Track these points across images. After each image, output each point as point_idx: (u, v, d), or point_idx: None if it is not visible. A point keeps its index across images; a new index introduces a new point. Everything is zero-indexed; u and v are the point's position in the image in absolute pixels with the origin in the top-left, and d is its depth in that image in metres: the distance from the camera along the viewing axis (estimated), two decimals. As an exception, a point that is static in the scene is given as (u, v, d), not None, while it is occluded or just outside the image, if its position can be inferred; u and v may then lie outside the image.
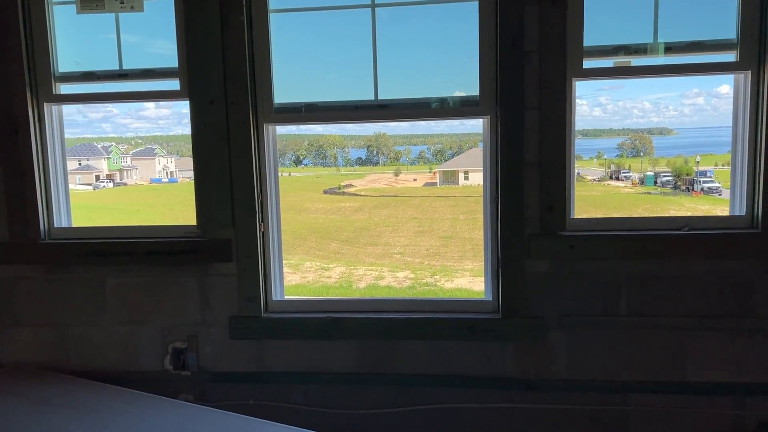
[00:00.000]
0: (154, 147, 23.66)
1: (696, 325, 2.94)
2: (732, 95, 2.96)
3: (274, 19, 3.10)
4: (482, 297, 3.17)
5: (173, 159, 24.79)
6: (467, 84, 3.03)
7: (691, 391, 2.98)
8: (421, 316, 3.10)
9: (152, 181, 23.34)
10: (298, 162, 28.63)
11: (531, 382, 3.07)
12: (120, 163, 23.02)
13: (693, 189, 20.01)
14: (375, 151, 27.91)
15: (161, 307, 3.25)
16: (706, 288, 2.93)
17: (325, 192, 24.06)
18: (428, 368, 3.12)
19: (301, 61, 3.27)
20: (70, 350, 3.32)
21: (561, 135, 2.91)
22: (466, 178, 22.92)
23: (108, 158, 22.80)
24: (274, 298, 3.23)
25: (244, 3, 3.00)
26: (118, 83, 3.24)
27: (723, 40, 2.91)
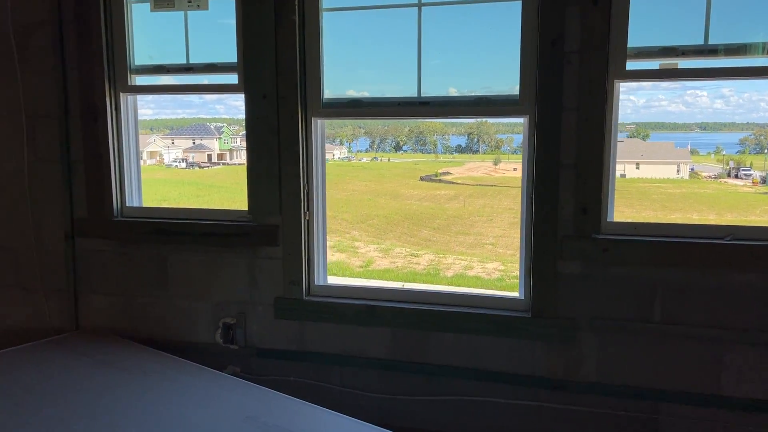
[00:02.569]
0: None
1: (734, 338, 2.85)
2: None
3: (325, 18, 3.24)
4: (515, 295, 3.20)
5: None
6: (509, 83, 3.06)
7: (726, 405, 2.89)
8: (453, 310, 3.17)
9: (257, 161, 24.29)
10: (398, 148, 28.90)
11: (559, 382, 3.08)
12: (230, 144, 24.19)
13: (823, 191, 18.45)
14: (476, 139, 27.69)
15: (215, 284, 3.51)
16: (747, 300, 2.82)
17: (422, 179, 24.16)
18: (457, 360, 3.20)
19: (349, 57, 3.42)
20: (136, 319, 3.66)
21: (599, 137, 2.89)
22: (567, 169, 22.23)
23: (219, 138, 24.01)
24: (316, 283, 3.41)
25: (296, 3, 3.17)
26: (185, 76, 3.51)
27: (779, 42, 2.77)
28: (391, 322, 3.25)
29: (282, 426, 2.61)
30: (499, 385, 3.15)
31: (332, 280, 3.51)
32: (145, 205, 3.70)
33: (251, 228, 3.39)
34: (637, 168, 22.19)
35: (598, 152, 2.90)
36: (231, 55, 3.38)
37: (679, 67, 2.90)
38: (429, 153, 27.18)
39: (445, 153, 27.48)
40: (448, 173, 24.68)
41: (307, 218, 3.35)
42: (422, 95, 3.18)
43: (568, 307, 3.02)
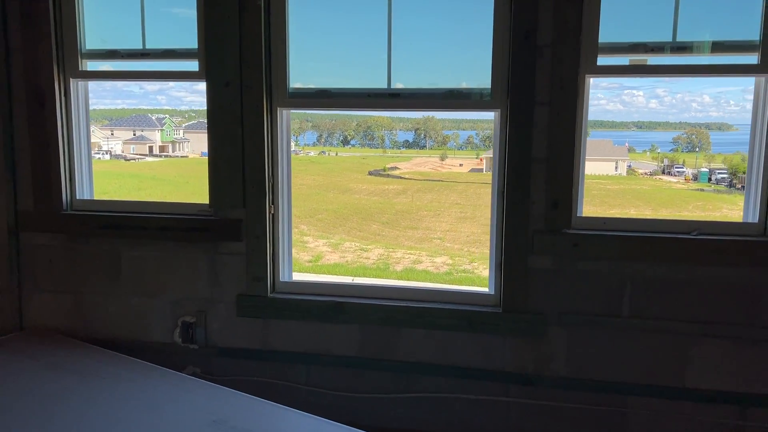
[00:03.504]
0: (206, 121, 24.07)
1: (699, 332, 2.89)
2: (753, 98, 2.87)
3: (291, 5, 3.13)
4: (485, 290, 3.18)
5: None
6: (480, 76, 3.02)
7: (691, 397, 2.94)
8: (422, 305, 3.12)
9: (202, 154, 23.81)
10: (345, 142, 28.74)
11: (529, 377, 3.07)
12: (173, 136, 23.55)
13: (749, 188, 19.32)
14: (423, 135, 27.79)
15: (173, 281, 3.35)
16: (711, 294, 2.87)
17: (370, 173, 24.13)
18: (427, 357, 3.15)
19: (316, 47, 3.31)
20: (86, 318, 3.46)
21: (570, 131, 2.88)
22: (513, 166, 22.62)
23: (161, 130, 23.34)
24: (281, 279, 3.30)
25: (262, -12, 3.04)
26: (141, 62, 3.33)
27: (745, 42, 2.81)
28: (360, 319, 3.17)
29: (252, 430, 2.50)
30: (469, 381, 3.12)
31: (297, 276, 3.41)
32: (96, 197, 3.50)
33: (212, 222, 3.25)
34: (577, 165, 22.78)
35: (569, 147, 2.89)
36: (191, 41, 3.23)
37: (648, 63, 2.92)
38: (377, 148, 27.13)
39: (393, 148, 27.49)
40: (396, 168, 24.73)
41: (272, 212, 3.23)
42: (392, 87, 3.11)
43: (538, 301, 3.01)
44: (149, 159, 21.71)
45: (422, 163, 26.23)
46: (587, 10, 2.83)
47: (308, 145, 28.27)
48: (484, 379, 3.11)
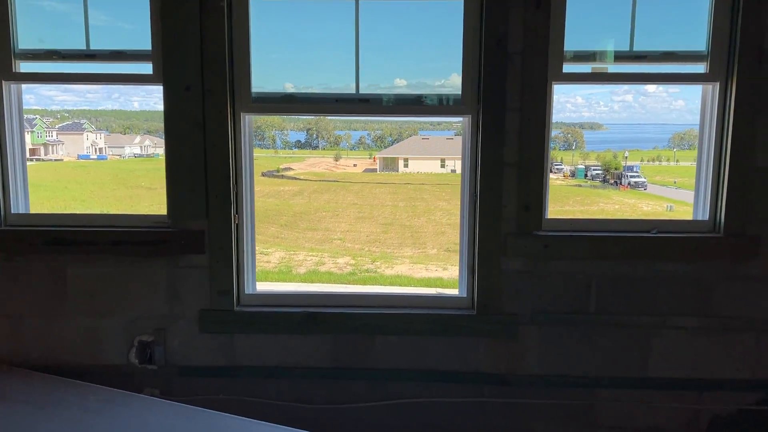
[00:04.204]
0: (82, 121, 22.64)
1: (660, 324, 3.08)
2: (699, 104, 3.09)
3: (254, 6, 3.01)
4: (456, 293, 3.21)
5: (102, 135, 23.82)
6: (450, 82, 3.05)
7: (653, 385, 3.13)
8: (397, 312, 3.11)
9: (80, 157, 22.39)
10: (234, 142, 27.99)
11: (503, 377, 3.14)
12: (45, 138, 21.99)
13: (621, 183, 20.86)
14: (315, 135, 27.66)
15: (127, 298, 3.13)
16: (670, 288, 3.06)
17: (263, 174, 23.67)
18: (402, 363, 3.14)
19: (281, 50, 3.21)
20: (28, 343, 3.16)
21: (540, 136, 2.97)
22: (406, 166, 23.07)
23: (32, 132, 21.74)
24: (246, 291, 3.17)
25: (225, -12, 2.91)
26: (85, 63, 3.08)
27: (694, 52, 3.02)
28: (334, 329, 3.11)
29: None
30: (444, 384, 3.15)
31: (262, 287, 3.28)
32: (33, 211, 3.21)
33: (171, 234, 3.07)
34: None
35: (540, 151, 2.99)
36: (142, 42, 3.03)
37: (609, 71, 3.07)
38: (268, 148, 26.69)
39: (284, 148, 27.16)
40: (289, 169, 24.45)
41: (236, 222, 3.10)
42: (361, 92, 3.07)
43: (511, 303, 3.08)
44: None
45: (316, 163, 26.14)
46: (554, 19, 2.92)
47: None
48: (459, 382, 3.15)
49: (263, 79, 3.05)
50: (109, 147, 23.18)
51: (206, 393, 3.16)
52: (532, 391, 3.15)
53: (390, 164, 24.16)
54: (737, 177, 2.96)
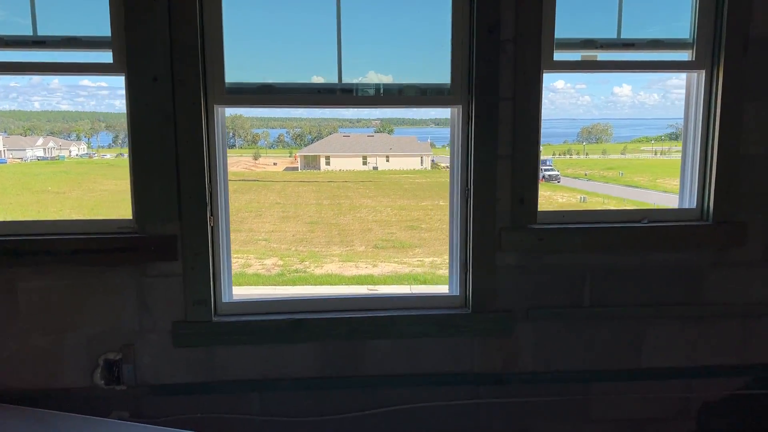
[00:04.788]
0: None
1: (652, 314, 3.06)
2: (684, 93, 3.09)
3: (226, -11, 2.76)
4: (447, 291, 3.08)
5: (0, 137, 22.47)
6: (438, 72, 2.90)
7: (645, 376, 3.10)
8: (389, 314, 2.94)
9: (-22, 156, 20.98)
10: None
11: (498, 376, 3.03)
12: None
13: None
14: (231, 133, 26.94)
15: (90, 313, 2.81)
16: (661, 277, 3.04)
17: (179, 174, 22.82)
18: (394, 368, 2.98)
19: (258, 38, 2.96)
20: (-29, 368, 2.79)
21: (534, 127, 2.88)
22: (328, 164, 22.84)
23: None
24: (223, 300, 2.92)
25: (195, -33, 2.64)
26: (33, 51, 2.74)
27: (680, 39, 3.01)
28: (321, 336, 2.91)
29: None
30: (438, 387, 3.01)
31: (239, 292, 3.03)
32: (-27, 218, 2.83)
33: (139, 240, 2.77)
34: (388, 161, 23.69)
35: (533, 142, 2.89)
36: (100, 28, 2.72)
37: (598, 59, 3.01)
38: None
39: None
40: (207, 168, 23.65)
41: (212, 224, 2.84)
42: (344, 82, 2.88)
43: (506, 299, 2.98)
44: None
45: (234, 162, 25.43)
46: (545, 6, 2.83)
47: (103, 147, 26.09)
48: (453, 384, 3.02)
49: (239, 69, 2.81)
50: (8, 150, 21.83)
51: (182, 412, 2.89)
52: (528, 389, 3.05)
53: (311, 162, 23.84)
54: (725, 165, 2.96)
